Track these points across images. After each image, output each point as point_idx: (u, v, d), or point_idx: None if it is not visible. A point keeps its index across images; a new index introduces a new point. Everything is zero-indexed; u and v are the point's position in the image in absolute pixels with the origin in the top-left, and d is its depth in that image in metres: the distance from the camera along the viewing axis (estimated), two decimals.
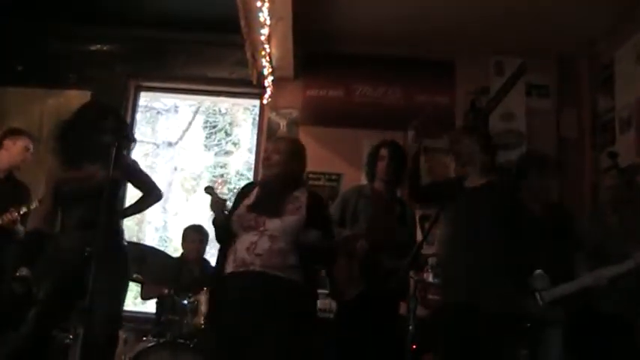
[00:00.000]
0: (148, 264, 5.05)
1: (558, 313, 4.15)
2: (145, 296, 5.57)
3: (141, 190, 4.66)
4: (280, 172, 4.11)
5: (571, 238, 4.42)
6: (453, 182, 4.47)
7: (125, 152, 4.57)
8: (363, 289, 4.51)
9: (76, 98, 6.53)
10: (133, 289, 10.22)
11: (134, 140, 4.84)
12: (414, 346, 4.72)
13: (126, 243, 4.56)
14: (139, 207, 4.77)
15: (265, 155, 4.22)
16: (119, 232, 4.51)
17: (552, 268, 4.14)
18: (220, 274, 3.96)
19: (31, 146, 5.55)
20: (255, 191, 4.13)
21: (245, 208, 4.03)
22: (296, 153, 4.24)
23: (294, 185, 4.14)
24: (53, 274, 4.29)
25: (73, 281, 4.16)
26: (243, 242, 3.93)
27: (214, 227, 4.12)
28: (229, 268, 3.92)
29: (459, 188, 4.30)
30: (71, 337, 4.91)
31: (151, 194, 4.71)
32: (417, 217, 5.34)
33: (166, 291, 5.06)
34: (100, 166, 4.33)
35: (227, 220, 4.00)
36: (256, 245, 3.89)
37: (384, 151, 4.83)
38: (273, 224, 3.96)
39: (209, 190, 4.09)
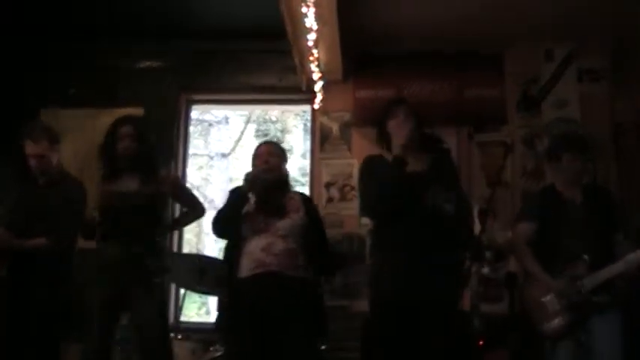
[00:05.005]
0: (209, 276, 5.09)
1: (604, 299, 4.08)
2: None
3: (184, 206, 4.71)
4: (279, 175, 4.28)
5: (612, 219, 4.34)
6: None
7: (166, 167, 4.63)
8: None
9: None
10: (197, 300, 10.38)
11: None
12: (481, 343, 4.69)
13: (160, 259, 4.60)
14: (182, 222, 4.83)
15: (264, 159, 4.27)
16: (161, 248, 4.59)
17: (597, 253, 4.12)
18: (235, 277, 4.05)
19: (35, 150, 4.67)
20: (253, 194, 4.18)
21: (253, 211, 4.15)
22: (285, 155, 4.46)
23: (287, 186, 4.36)
24: (100, 284, 4.34)
25: (118, 292, 4.25)
26: (258, 244, 4.03)
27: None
28: (244, 271, 4.01)
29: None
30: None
31: (195, 209, 4.77)
32: (476, 211, 5.30)
33: None
34: (140, 180, 4.43)
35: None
36: (272, 246, 4.00)
37: None
38: (284, 224, 4.10)
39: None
